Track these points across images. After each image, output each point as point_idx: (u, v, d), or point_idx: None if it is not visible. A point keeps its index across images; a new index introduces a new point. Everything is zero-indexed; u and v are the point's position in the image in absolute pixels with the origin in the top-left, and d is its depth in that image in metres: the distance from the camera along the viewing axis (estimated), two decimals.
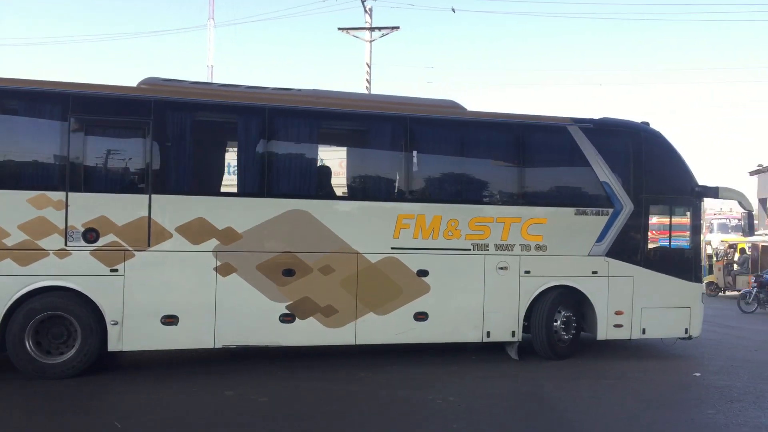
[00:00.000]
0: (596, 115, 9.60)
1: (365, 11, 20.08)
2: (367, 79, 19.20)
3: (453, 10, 44.62)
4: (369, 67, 19.14)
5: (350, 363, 8.29)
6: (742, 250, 20.43)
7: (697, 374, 8.41)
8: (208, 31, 25.88)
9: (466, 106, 9.07)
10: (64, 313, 7.23)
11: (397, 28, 19.76)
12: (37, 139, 7.35)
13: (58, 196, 7.18)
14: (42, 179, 7.25)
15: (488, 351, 9.19)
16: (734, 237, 23.74)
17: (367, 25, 20.02)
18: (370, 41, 19.77)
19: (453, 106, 9.09)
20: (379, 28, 19.88)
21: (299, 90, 8.59)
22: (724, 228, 28.77)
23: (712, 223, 30.17)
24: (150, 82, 8.06)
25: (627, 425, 6.15)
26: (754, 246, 19.50)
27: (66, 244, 7.20)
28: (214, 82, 8.40)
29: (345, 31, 20.00)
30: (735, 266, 19.57)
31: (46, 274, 7.14)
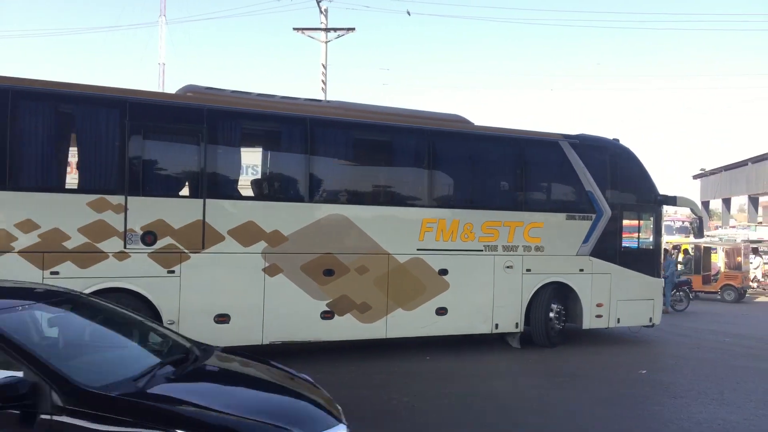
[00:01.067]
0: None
1: (320, 12, 20.59)
2: (323, 80, 19.71)
3: (408, 13, 45.52)
4: (325, 68, 19.66)
5: (312, 361, 8.28)
6: (686, 251, 21.33)
7: (644, 371, 8.69)
8: (159, 28, 25.18)
9: (470, 120, 10.17)
10: None
11: (353, 29, 20.40)
12: (96, 144, 7.52)
13: (117, 200, 7.42)
14: (101, 183, 7.47)
15: (443, 352, 9.50)
16: (679, 238, 24.92)
17: (323, 26, 20.54)
18: (326, 42, 20.30)
19: (461, 120, 10.13)
20: (335, 29, 20.43)
21: (328, 102, 9.26)
22: (669, 230, 30.68)
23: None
24: (193, 90, 8.42)
25: (575, 422, 6.27)
26: (696, 247, 20.16)
27: (125, 247, 7.46)
28: (251, 91, 8.80)
29: (300, 31, 20.39)
30: (679, 266, 19.71)
31: (105, 276, 7.37)
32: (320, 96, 19.14)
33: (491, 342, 10.37)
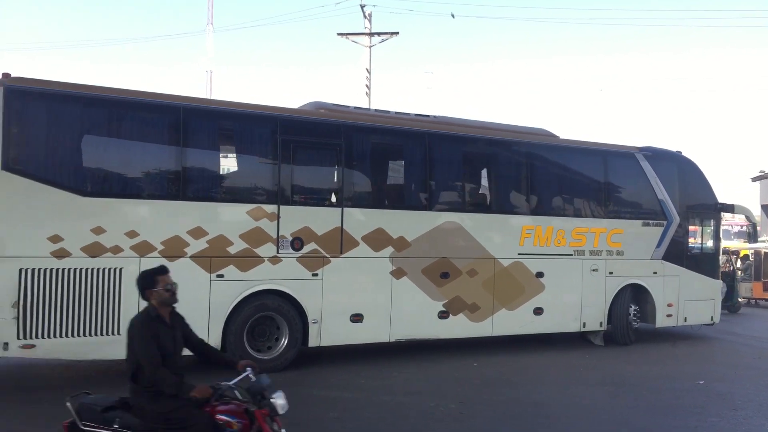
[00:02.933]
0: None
1: (364, 17, 21.35)
2: (366, 85, 20.48)
3: (452, 16, 46.13)
4: (369, 72, 20.46)
5: (349, 370, 8.60)
6: (745, 257, 20.66)
7: (701, 382, 8.50)
8: (206, 36, 25.71)
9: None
10: (274, 314, 8.33)
11: (397, 33, 21.20)
12: (253, 158, 8.37)
13: (271, 208, 8.25)
14: (258, 193, 8.31)
15: (491, 354, 9.83)
16: (737, 243, 24.03)
17: (366, 31, 21.35)
18: (370, 46, 21.08)
19: (547, 134, 11.13)
20: (379, 34, 21.19)
21: (434, 117, 10.19)
22: (726, 234, 29.43)
23: None
24: (319, 106, 9.28)
25: None
26: (756, 253, 19.59)
27: (278, 252, 8.29)
28: (370, 107, 9.70)
29: (344, 36, 21.22)
30: (739, 273, 18.95)
31: (262, 278, 8.19)
32: (364, 101, 19.95)
33: (545, 345, 10.90)
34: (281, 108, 8.67)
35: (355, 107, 9.57)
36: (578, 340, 11.38)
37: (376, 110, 9.66)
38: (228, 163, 8.41)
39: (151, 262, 7.51)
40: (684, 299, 11.83)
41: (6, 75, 7.44)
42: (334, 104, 9.33)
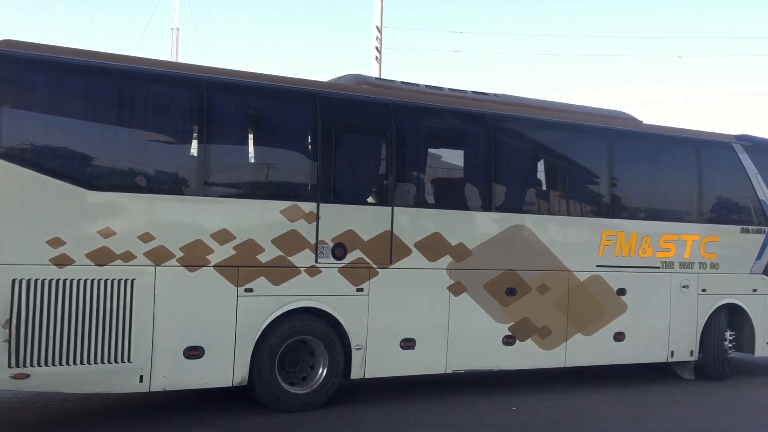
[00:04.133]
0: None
1: None
2: (377, 47, 20.32)
3: None
4: (380, 31, 20.36)
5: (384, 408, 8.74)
6: None
7: None
8: None
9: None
10: (311, 338, 8.37)
11: None
12: (287, 144, 8.42)
13: (309, 207, 8.27)
14: (294, 188, 8.35)
15: (538, 391, 9.88)
16: None
17: None
18: None
19: (629, 118, 11.25)
20: None
21: (496, 95, 10.27)
22: None
23: None
24: (359, 80, 9.34)
25: None
26: None
27: (316, 261, 8.33)
28: (420, 83, 9.72)
29: None
30: None
31: (298, 294, 8.21)
32: (374, 66, 19.92)
33: (606, 378, 10.76)
34: (320, 83, 8.73)
35: (402, 82, 9.62)
36: (650, 371, 11.44)
37: (426, 86, 9.73)
38: (258, 151, 8.43)
39: (169, 272, 7.59)
40: None
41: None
42: (377, 78, 9.40)
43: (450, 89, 9.86)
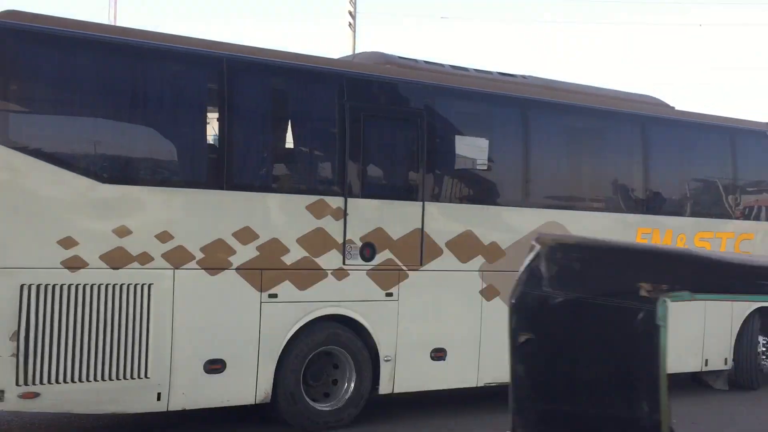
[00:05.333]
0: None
1: None
2: (350, 12, 20.78)
3: None
4: (353, 17, 21.05)
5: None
6: None
7: None
8: None
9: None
10: (338, 349, 9.06)
11: None
12: (313, 132, 9.06)
13: (336, 202, 8.95)
14: (320, 181, 9.00)
15: None
16: None
17: None
18: None
19: (659, 103, 12.35)
20: None
21: (524, 77, 11.16)
22: None
23: None
24: (383, 59, 10.03)
25: None
26: None
27: (344, 263, 9.02)
28: (444, 63, 10.48)
29: None
30: None
31: (324, 299, 8.88)
32: (348, 34, 20.57)
33: None
34: (344, 61, 9.42)
35: (426, 61, 10.38)
36: (675, 382, 12.56)
37: (452, 66, 10.52)
38: (282, 139, 9.05)
39: (188, 275, 8.16)
40: None
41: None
42: (401, 57, 10.13)
43: (476, 70, 10.70)
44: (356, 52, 19.92)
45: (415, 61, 10.30)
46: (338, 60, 9.53)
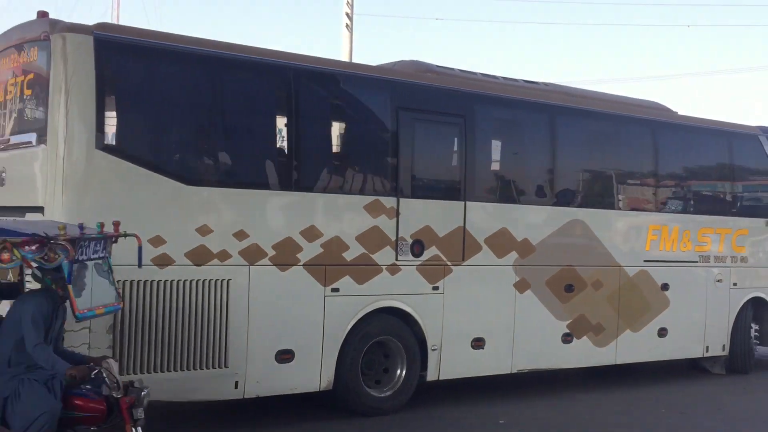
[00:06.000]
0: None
1: None
2: (347, 14, 21.04)
3: None
4: (350, 18, 21.42)
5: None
6: None
7: None
8: None
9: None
10: (391, 339, 9.54)
11: None
12: (369, 136, 9.51)
13: (390, 202, 9.41)
14: (376, 183, 9.45)
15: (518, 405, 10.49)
16: None
17: None
18: None
19: (662, 108, 13.04)
20: None
21: (545, 84, 11.74)
22: None
23: None
24: (421, 68, 10.51)
25: None
26: None
27: (396, 259, 9.50)
28: (476, 71, 11.00)
29: None
30: None
31: (380, 293, 9.35)
32: (345, 35, 20.89)
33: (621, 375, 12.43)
34: (396, 71, 9.88)
35: (461, 70, 10.90)
36: (659, 368, 13.22)
37: (483, 75, 11.05)
38: (346, 143, 9.51)
39: (262, 271, 8.57)
40: None
41: (43, 13, 8.19)
42: (438, 66, 10.62)
43: (503, 78, 11.26)
44: (351, 55, 20.54)
45: (451, 69, 10.80)
46: (391, 69, 9.98)
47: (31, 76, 8.08)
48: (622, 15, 62.92)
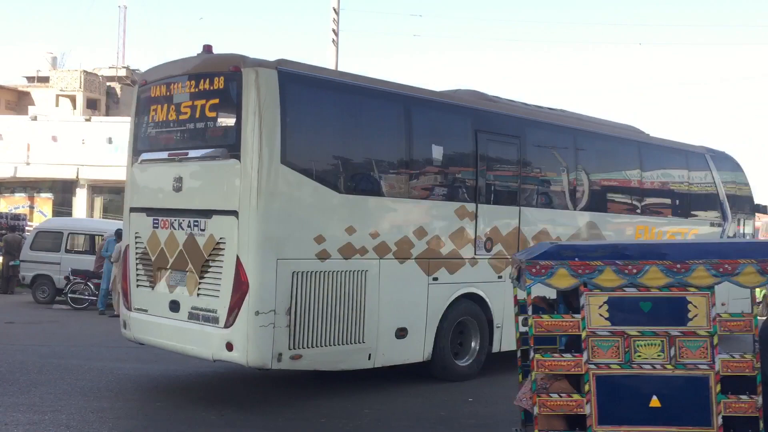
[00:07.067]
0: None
1: None
2: (334, 30, 22.51)
3: None
4: (336, 13, 22.65)
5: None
6: None
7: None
8: None
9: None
10: (470, 318, 11.25)
11: None
12: (456, 152, 11.16)
13: (471, 207, 11.17)
14: (462, 191, 11.15)
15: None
16: None
17: None
18: None
19: (637, 130, 15.36)
20: None
21: (550, 109, 13.77)
22: None
23: None
24: (478, 96, 12.30)
25: None
26: None
27: (475, 253, 11.25)
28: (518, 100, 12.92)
29: None
30: None
31: (464, 281, 11.09)
32: (331, 49, 22.30)
33: None
34: (473, 97, 11.69)
35: (507, 100, 12.79)
36: None
37: (523, 104, 13.00)
38: (439, 158, 11.14)
39: (388, 264, 10.14)
40: (732, 299, 16.97)
41: (209, 47, 9.53)
42: (493, 96, 12.46)
43: (531, 105, 13.23)
44: (337, 67, 21.93)
45: (498, 98, 12.64)
46: (466, 94, 11.77)
47: (215, 101, 9.33)
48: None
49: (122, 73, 39.23)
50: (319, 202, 9.50)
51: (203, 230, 9.27)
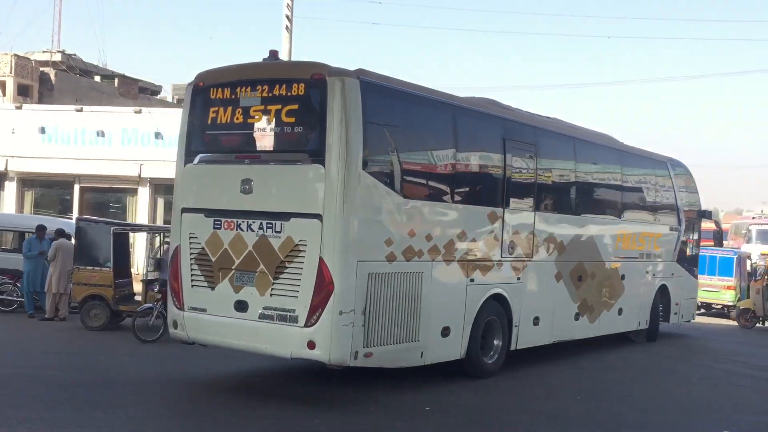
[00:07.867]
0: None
1: None
2: (287, 15, 22.08)
3: None
4: (289, 20, 22.40)
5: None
6: None
7: None
8: None
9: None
10: (495, 318, 11.70)
11: None
12: (487, 159, 11.59)
13: (500, 212, 11.63)
14: (492, 197, 11.59)
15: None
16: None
17: None
18: None
19: (612, 139, 16.26)
20: None
21: (547, 117, 14.43)
22: (764, 236, 31.06)
23: (750, 230, 32.62)
24: (493, 103, 12.78)
25: None
26: None
27: (501, 256, 11.71)
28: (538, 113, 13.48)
29: None
30: None
31: (493, 282, 11.54)
32: (285, 37, 22.07)
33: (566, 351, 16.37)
34: (500, 108, 12.18)
35: (512, 108, 13.30)
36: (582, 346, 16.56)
37: (526, 112, 13.54)
38: (477, 167, 11.54)
39: (437, 266, 10.50)
40: (683, 298, 18.22)
41: (274, 53, 9.67)
42: (506, 105, 12.96)
43: (526, 111, 13.82)
44: (291, 54, 21.84)
45: (508, 106, 13.16)
46: (495, 105, 12.28)
47: (293, 106, 9.41)
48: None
49: (57, 57, 37.24)
50: (389, 206, 9.77)
51: (279, 232, 9.35)
